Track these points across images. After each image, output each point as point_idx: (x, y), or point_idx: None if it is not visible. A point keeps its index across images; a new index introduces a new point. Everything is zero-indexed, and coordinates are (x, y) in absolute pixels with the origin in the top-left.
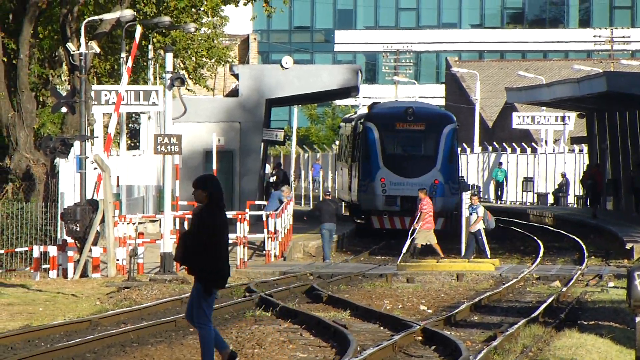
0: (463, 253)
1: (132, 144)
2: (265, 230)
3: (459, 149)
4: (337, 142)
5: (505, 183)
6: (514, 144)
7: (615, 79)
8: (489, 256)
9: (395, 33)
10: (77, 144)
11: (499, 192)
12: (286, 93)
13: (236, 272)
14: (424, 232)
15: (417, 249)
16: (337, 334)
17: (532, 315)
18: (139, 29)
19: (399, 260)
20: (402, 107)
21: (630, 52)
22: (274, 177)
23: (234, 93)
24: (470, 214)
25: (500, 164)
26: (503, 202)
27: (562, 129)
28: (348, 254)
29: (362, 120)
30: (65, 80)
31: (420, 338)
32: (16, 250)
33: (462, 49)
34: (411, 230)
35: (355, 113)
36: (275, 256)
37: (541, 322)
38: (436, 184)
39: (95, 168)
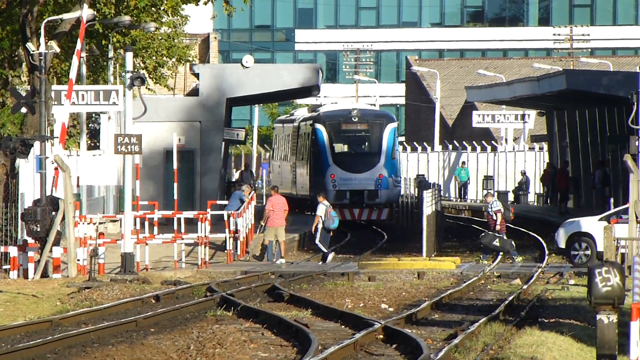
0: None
1: (93, 144)
2: (227, 230)
3: (419, 147)
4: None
5: (468, 182)
6: (474, 142)
7: (575, 77)
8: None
9: (355, 32)
10: (37, 144)
11: (463, 192)
12: (247, 92)
13: (197, 272)
14: (271, 228)
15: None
16: (298, 333)
17: (493, 313)
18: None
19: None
20: (347, 109)
21: (590, 50)
22: (236, 176)
23: (194, 92)
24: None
25: (464, 163)
26: (468, 200)
27: (522, 127)
28: (310, 253)
29: (310, 122)
30: (25, 80)
31: (381, 336)
32: None
33: (422, 47)
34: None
35: (292, 114)
36: (237, 255)
37: (502, 320)
38: (381, 178)
39: (56, 168)
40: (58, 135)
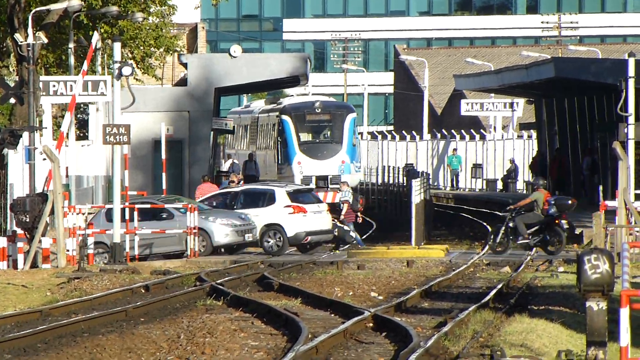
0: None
1: (81, 135)
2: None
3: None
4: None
5: (460, 170)
6: (462, 131)
7: (563, 65)
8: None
9: (343, 21)
10: (25, 135)
11: (455, 180)
12: (235, 82)
13: (187, 262)
14: None
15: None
16: (288, 321)
17: (483, 301)
18: (96, 35)
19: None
20: (310, 101)
21: (578, 37)
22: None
23: (182, 82)
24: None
25: (455, 150)
26: (459, 189)
27: (511, 115)
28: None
29: (277, 114)
30: (13, 71)
31: (371, 325)
32: None
33: (411, 36)
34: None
35: (247, 106)
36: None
37: (491, 307)
38: (343, 163)
39: (45, 159)
40: (47, 126)
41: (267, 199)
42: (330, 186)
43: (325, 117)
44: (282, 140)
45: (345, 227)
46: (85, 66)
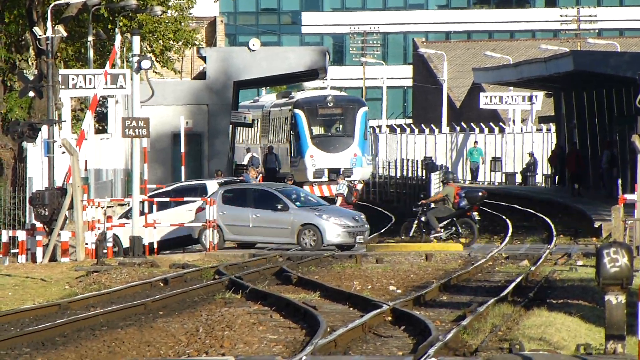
0: None
1: (100, 128)
2: None
3: (428, 129)
4: None
5: (481, 162)
6: (481, 124)
7: (582, 58)
8: None
9: (362, 14)
10: (44, 128)
11: (475, 173)
12: (254, 75)
13: (206, 255)
14: None
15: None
16: (307, 315)
17: (501, 295)
18: (118, 37)
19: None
20: (322, 95)
21: (597, 31)
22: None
23: (201, 76)
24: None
25: (476, 142)
26: (479, 182)
27: (530, 108)
28: None
29: (289, 107)
30: (32, 64)
31: (389, 318)
32: None
33: (429, 29)
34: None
35: (256, 100)
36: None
37: (510, 301)
38: (355, 156)
39: (64, 152)
40: (66, 120)
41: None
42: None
43: (337, 111)
44: (294, 133)
45: None
46: (108, 67)
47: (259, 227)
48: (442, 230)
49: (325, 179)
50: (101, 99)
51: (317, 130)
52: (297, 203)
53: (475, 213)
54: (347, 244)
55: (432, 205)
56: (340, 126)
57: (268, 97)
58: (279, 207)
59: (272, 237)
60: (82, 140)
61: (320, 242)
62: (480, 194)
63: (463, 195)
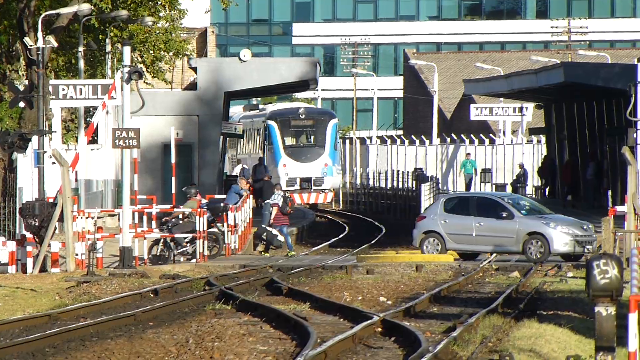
0: None
1: (90, 138)
2: (225, 224)
3: (419, 140)
4: None
5: (474, 174)
6: (472, 135)
7: (573, 70)
8: None
9: (353, 25)
10: (35, 138)
11: (469, 185)
12: (245, 86)
13: (196, 266)
14: None
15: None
16: (297, 326)
17: (492, 306)
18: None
19: None
20: (295, 107)
21: (588, 42)
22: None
23: (192, 86)
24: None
25: (469, 154)
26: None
27: (520, 120)
28: (308, 247)
29: (262, 119)
30: (22, 74)
31: (380, 329)
32: None
33: (420, 40)
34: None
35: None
36: (234, 250)
37: (500, 312)
38: (326, 166)
39: (54, 163)
40: (56, 130)
41: None
42: (313, 187)
43: (309, 123)
44: (268, 144)
45: (274, 231)
46: (106, 98)
47: (482, 235)
48: (188, 244)
49: (297, 187)
50: (91, 109)
51: (290, 140)
52: (523, 211)
53: (220, 224)
54: (575, 254)
55: (174, 221)
56: (312, 137)
57: (235, 109)
58: (504, 215)
59: (496, 247)
60: (75, 164)
61: (547, 251)
62: (222, 204)
63: (206, 207)
